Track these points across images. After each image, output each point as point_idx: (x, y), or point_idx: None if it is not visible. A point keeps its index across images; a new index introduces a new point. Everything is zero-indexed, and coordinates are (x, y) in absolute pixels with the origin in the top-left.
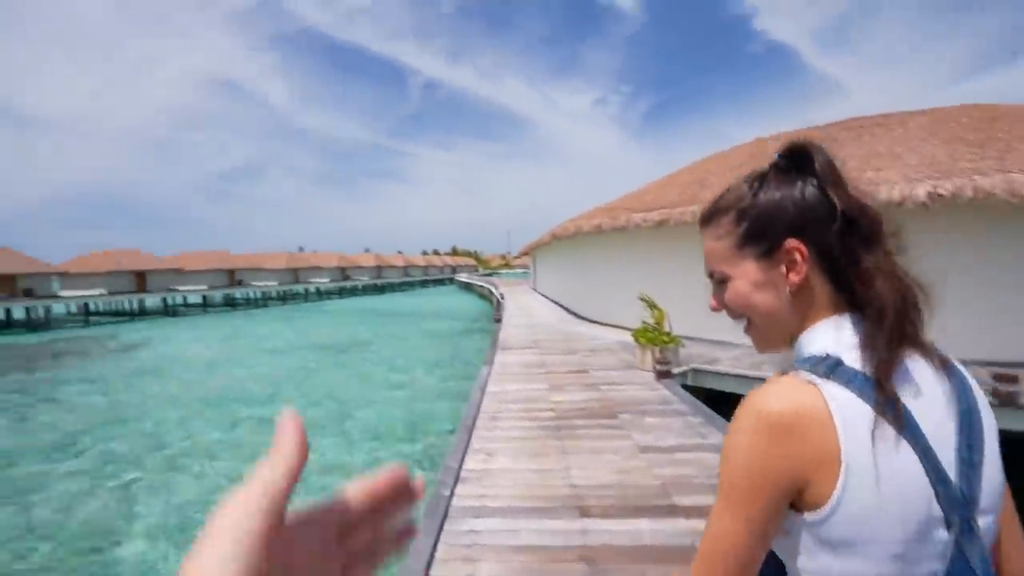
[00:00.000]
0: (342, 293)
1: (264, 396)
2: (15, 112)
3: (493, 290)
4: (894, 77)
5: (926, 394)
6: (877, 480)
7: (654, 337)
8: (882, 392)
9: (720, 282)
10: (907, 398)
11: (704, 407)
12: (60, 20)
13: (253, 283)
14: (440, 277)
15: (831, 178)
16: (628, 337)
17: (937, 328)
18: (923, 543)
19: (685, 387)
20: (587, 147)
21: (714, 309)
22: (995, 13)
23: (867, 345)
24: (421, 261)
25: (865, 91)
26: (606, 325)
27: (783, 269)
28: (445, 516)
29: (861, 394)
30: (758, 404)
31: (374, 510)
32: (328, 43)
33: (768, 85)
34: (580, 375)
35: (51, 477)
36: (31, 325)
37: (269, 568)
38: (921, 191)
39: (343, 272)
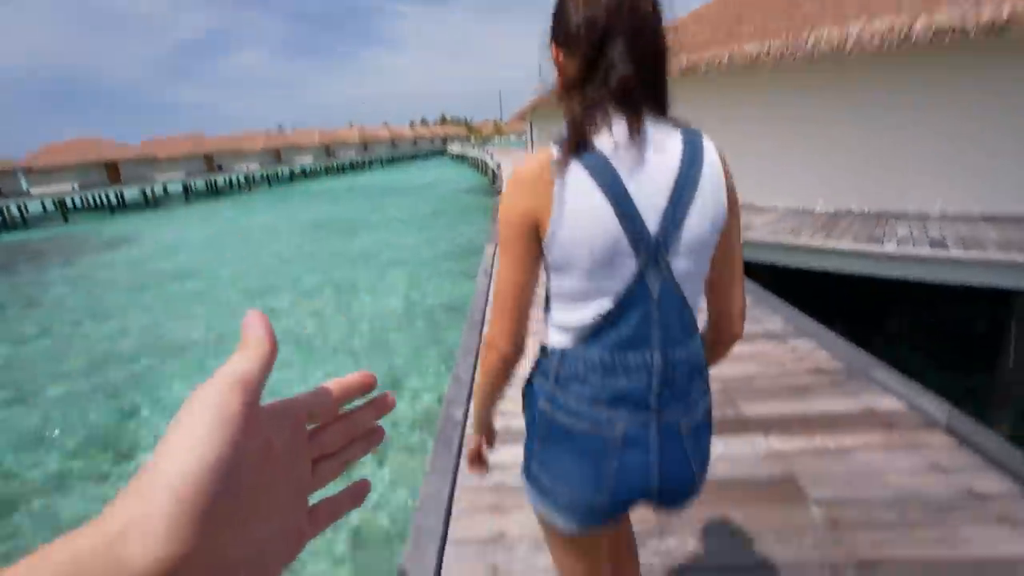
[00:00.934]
0: (328, 172)
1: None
2: None
3: (488, 160)
4: None
5: (648, 160)
6: (575, 218)
7: None
8: (575, 153)
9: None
10: (622, 160)
11: (753, 284)
12: None
13: (234, 167)
14: (431, 149)
15: None
16: None
17: None
18: (610, 267)
19: None
20: None
21: None
22: None
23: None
24: (409, 133)
25: None
26: None
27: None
28: (460, 451)
29: (580, 158)
30: (513, 169)
31: (341, 414)
32: None
33: None
34: None
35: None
36: (6, 225)
37: (246, 446)
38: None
39: (327, 150)
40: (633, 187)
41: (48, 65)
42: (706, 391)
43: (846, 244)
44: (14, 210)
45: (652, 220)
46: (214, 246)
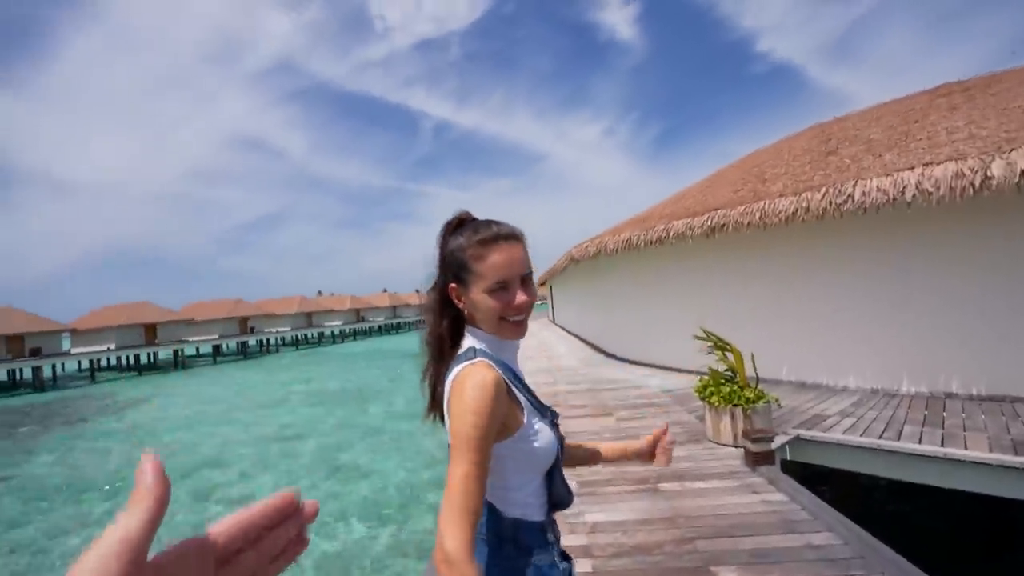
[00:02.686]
0: (356, 335)
1: (241, 465)
2: (53, 178)
3: None
4: (901, 83)
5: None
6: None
7: (734, 393)
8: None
9: (528, 284)
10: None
11: (874, 542)
12: (90, 89)
13: (266, 330)
14: None
15: None
16: (676, 381)
17: None
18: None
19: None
20: (598, 177)
21: (526, 303)
22: (996, 17)
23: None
24: None
25: (874, 100)
26: (644, 365)
27: None
28: None
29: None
30: (484, 377)
31: (258, 537)
32: (341, 95)
33: (776, 103)
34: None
35: None
36: (37, 385)
37: None
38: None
39: (357, 313)
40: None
41: (125, 240)
42: None
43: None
44: (47, 371)
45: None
46: (204, 419)
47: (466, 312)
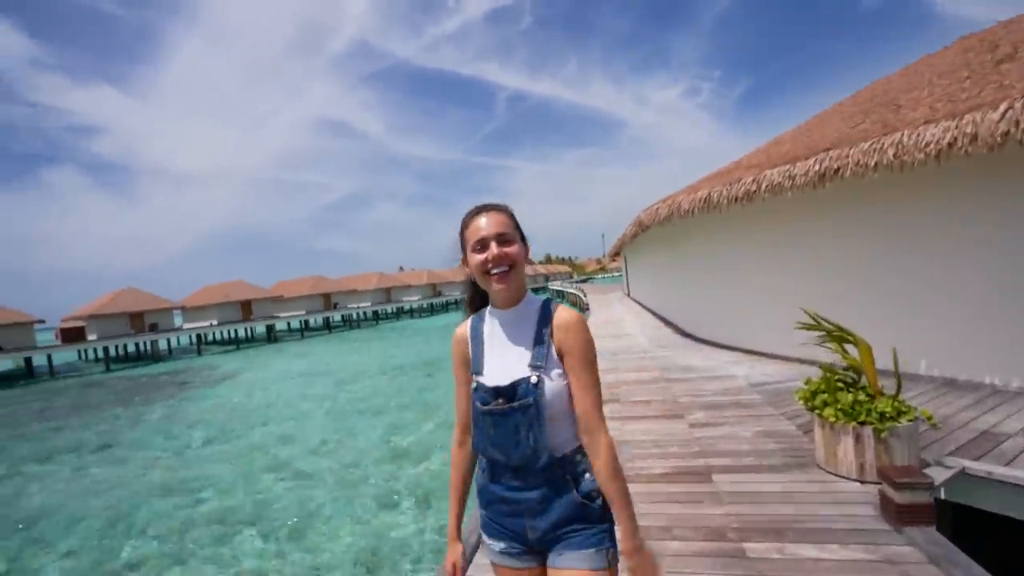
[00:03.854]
0: (433, 310)
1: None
2: (170, 172)
3: (582, 296)
4: None
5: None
6: None
7: (859, 405)
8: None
9: (504, 242)
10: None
11: None
12: (193, 89)
13: (348, 305)
14: (534, 286)
15: None
16: (769, 372)
17: None
18: None
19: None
20: (680, 140)
21: (499, 255)
22: None
23: None
24: None
25: None
26: (728, 349)
27: (527, 254)
28: None
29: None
30: (581, 318)
31: None
32: (416, 72)
33: (891, 39)
34: (694, 484)
35: None
36: (155, 357)
37: None
38: None
39: (434, 288)
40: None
41: (229, 225)
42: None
43: None
44: (163, 344)
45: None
46: (290, 394)
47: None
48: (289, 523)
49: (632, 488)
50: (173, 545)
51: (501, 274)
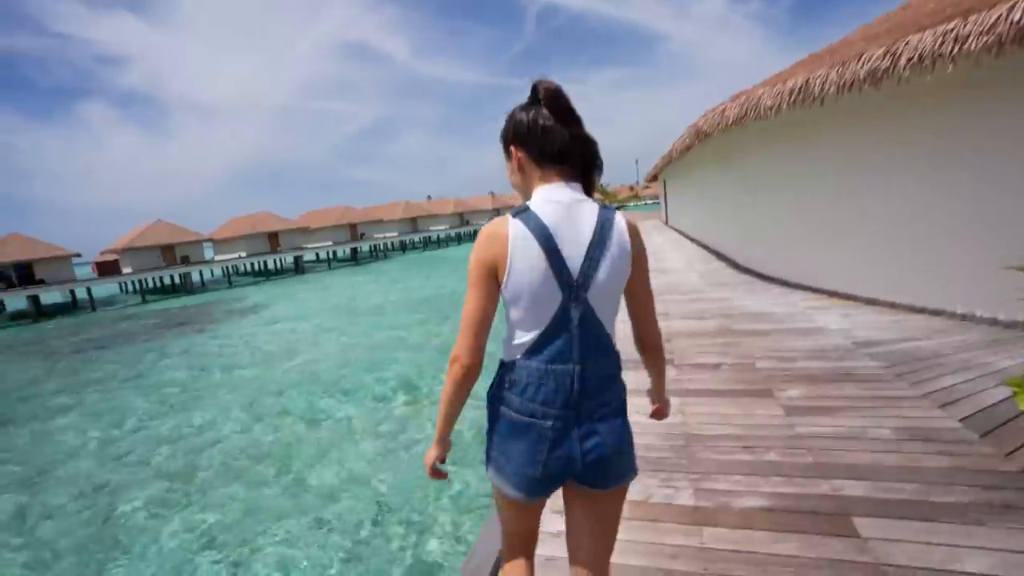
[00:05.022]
0: (460, 239)
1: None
2: (197, 104)
3: None
4: None
5: (576, 226)
6: (521, 266)
7: None
8: (533, 221)
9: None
10: (559, 227)
11: None
12: (212, 15)
13: (374, 236)
14: None
15: (552, 105)
16: (874, 324)
17: None
18: (544, 301)
19: None
20: (727, 56)
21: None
22: None
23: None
24: None
25: None
26: (807, 289)
27: (513, 163)
28: None
29: (526, 223)
30: (483, 227)
31: None
32: None
33: None
34: (824, 542)
35: None
36: (187, 288)
37: None
38: None
39: (461, 217)
40: (561, 245)
41: (255, 154)
42: (619, 391)
43: None
44: (195, 276)
45: (574, 269)
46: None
47: None
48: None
49: (709, 541)
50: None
51: None
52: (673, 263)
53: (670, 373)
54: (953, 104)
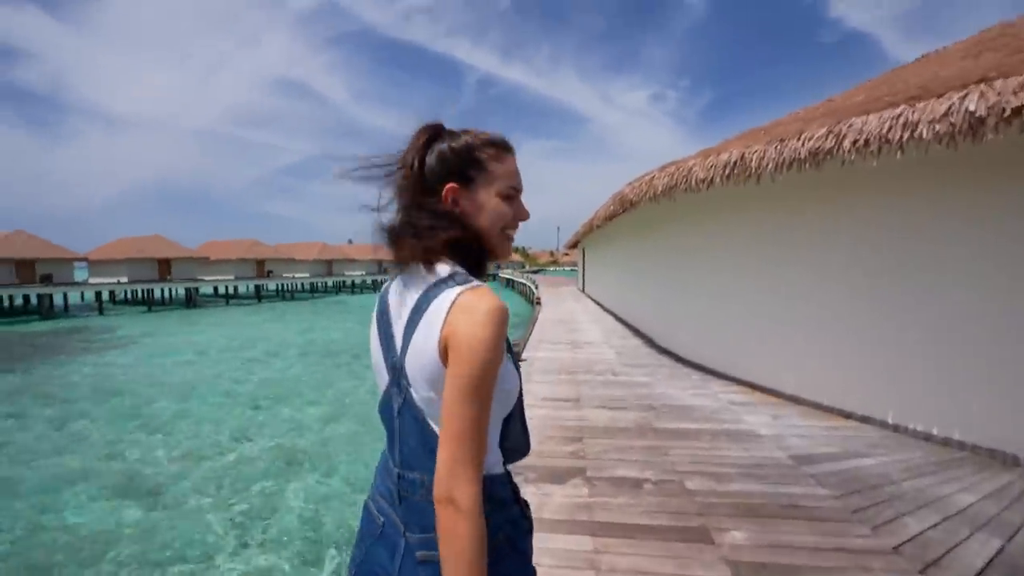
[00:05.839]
0: (376, 287)
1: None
2: (102, 112)
3: (533, 289)
4: None
5: (406, 304)
6: (371, 347)
7: None
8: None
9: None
10: (394, 305)
11: None
12: (142, 23)
13: (283, 275)
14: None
15: None
16: (806, 431)
17: None
18: (383, 383)
19: None
20: (643, 144)
21: (527, 217)
22: None
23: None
24: None
25: None
26: (727, 379)
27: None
28: None
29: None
30: (492, 301)
31: None
32: (386, 42)
33: (844, 76)
34: None
35: None
36: (43, 313)
37: None
38: None
39: (380, 264)
40: (394, 323)
41: (169, 176)
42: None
43: None
44: (58, 299)
45: (396, 350)
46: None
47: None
48: None
49: None
50: None
51: (511, 240)
52: (589, 335)
53: (581, 491)
54: (894, 199)
